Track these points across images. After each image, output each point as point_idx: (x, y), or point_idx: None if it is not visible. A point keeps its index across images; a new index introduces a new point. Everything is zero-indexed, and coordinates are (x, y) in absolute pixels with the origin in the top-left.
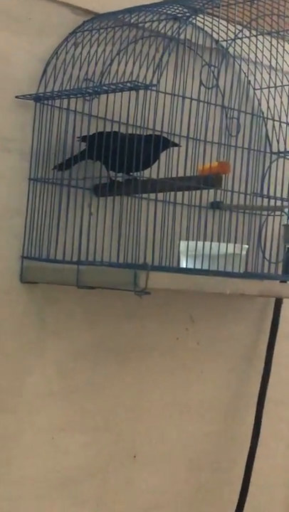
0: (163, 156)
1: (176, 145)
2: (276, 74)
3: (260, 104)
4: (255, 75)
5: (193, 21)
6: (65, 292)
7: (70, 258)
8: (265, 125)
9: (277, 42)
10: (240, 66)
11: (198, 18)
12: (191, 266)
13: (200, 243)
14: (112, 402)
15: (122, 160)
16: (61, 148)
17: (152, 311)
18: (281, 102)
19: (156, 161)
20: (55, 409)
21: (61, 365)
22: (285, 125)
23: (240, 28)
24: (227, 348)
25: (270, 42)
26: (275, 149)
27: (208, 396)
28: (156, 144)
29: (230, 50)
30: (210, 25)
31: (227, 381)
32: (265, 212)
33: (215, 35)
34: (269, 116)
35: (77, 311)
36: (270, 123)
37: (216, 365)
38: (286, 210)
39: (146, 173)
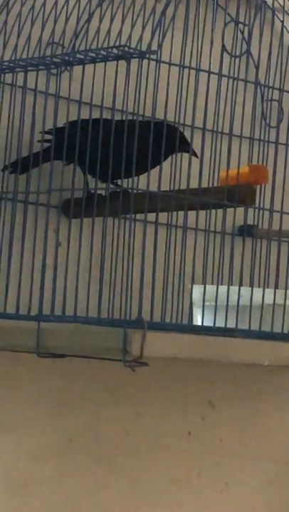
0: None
1: (195, 155)
2: None
3: None
4: None
5: None
6: (19, 363)
7: (26, 311)
8: None
9: None
10: (282, 23)
11: None
12: (209, 323)
13: (223, 289)
14: None
15: (105, 162)
16: (14, 144)
17: (151, 392)
18: None
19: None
20: None
21: (11, 475)
22: None
23: None
24: (265, 447)
25: None
26: None
27: None
28: (167, 139)
29: None
30: None
31: (265, 500)
32: None
33: None
34: None
35: (38, 392)
36: None
37: (247, 475)
38: None
39: (141, 182)
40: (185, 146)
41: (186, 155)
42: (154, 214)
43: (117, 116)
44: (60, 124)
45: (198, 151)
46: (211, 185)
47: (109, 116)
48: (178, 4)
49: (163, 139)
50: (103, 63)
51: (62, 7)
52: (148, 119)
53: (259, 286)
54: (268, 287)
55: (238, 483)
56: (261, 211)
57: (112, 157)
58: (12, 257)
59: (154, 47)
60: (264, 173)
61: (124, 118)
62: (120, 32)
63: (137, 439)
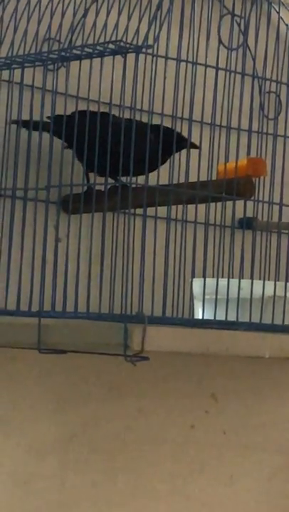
0: None
1: (195, 147)
2: None
3: None
4: None
5: None
6: (21, 359)
7: (27, 307)
8: None
9: None
10: (279, 15)
11: None
12: (210, 316)
13: (223, 282)
14: None
15: (104, 157)
16: (12, 140)
17: (153, 386)
18: None
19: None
20: None
21: (14, 471)
22: None
23: None
24: (269, 439)
25: None
26: None
27: None
28: (164, 142)
29: None
30: None
31: (269, 492)
32: None
33: None
34: None
35: (39, 388)
36: None
37: (251, 468)
38: None
39: (140, 177)
40: (183, 142)
41: (183, 149)
42: (153, 208)
43: (115, 111)
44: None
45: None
46: (209, 179)
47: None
48: None
49: (160, 143)
50: (99, 58)
51: (58, 2)
52: (145, 111)
53: (259, 279)
54: (268, 279)
55: (242, 476)
56: (260, 204)
57: (111, 154)
58: (12, 253)
59: (151, 41)
60: (262, 165)
61: (121, 112)
62: (116, 26)
63: (139, 433)
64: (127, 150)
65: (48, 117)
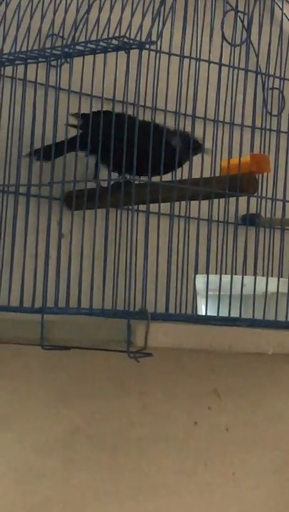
0: None
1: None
2: None
3: None
4: None
5: None
6: (24, 356)
7: (30, 304)
8: None
9: None
10: (282, 11)
11: None
12: (213, 312)
13: (226, 278)
14: None
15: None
16: (15, 138)
17: (156, 382)
18: None
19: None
20: None
21: (17, 467)
22: None
23: None
24: (272, 436)
25: None
26: None
27: (244, 510)
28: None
29: None
30: None
31: (272, 488)
32: None
33: None
34: None
35: (42, 384)
36: None
37: (254, 464)
38: None
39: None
40: (198, 149)
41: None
42: (157, 204)
43: (118, 107)
44: (63, 116)
45: (199, 141)
46: (212, 175)
47: (110, 108)
48: None
49: (176, 152)
50: (102, 54)
51: None
52: (148, 107)
53: (262, 275)
54: (271, 276)
55: (245, 472)
56: (263, 200)
57: (125, 153)
58: (15, 249)
59: (154, 37)
60: (266, 161)
61: (124, 108)
62: (120, 22)
63: (142, 430)
64: (144, 150)
65: (72, 123)
